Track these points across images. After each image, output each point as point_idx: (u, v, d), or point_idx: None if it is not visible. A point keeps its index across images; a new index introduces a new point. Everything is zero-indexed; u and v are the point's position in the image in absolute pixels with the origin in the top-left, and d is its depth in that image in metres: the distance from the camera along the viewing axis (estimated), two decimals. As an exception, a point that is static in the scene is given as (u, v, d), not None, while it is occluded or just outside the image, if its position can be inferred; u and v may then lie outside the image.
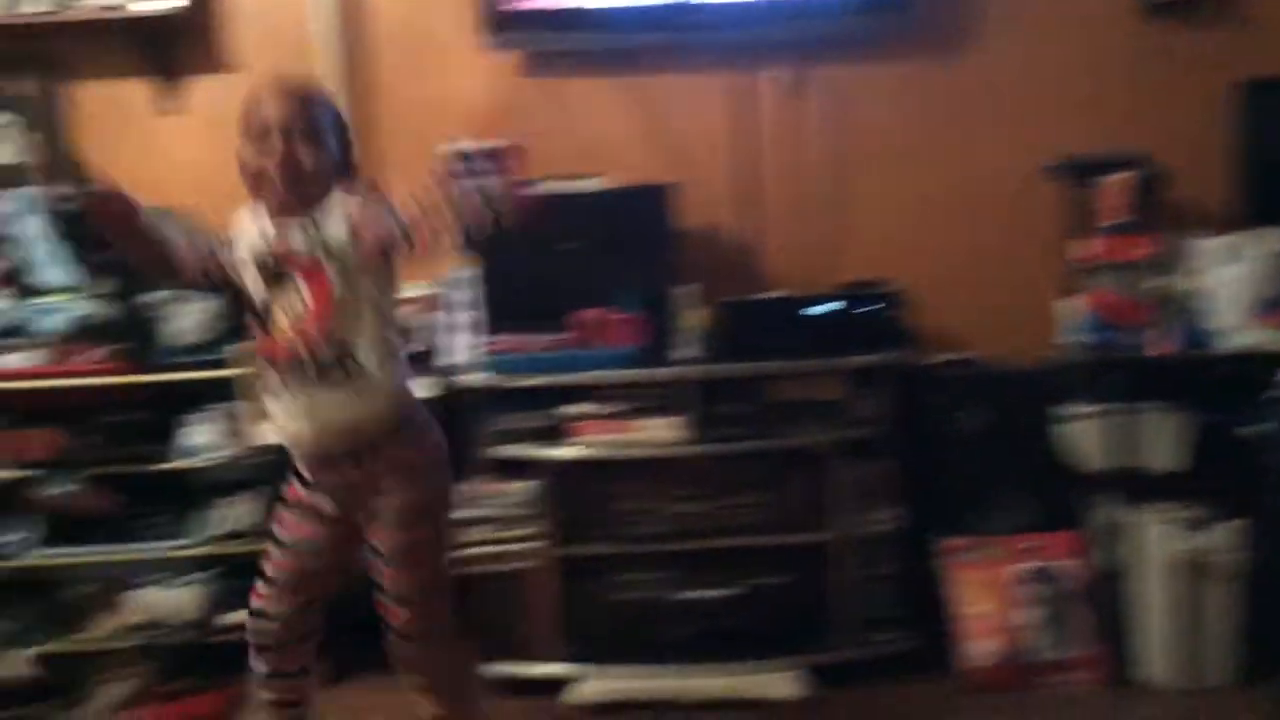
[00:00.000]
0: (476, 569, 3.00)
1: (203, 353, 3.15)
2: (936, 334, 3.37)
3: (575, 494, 3.01)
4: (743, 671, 2.93)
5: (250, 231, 2.21)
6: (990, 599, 3.01)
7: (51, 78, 3.49)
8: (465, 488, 2.99)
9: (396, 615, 2.26)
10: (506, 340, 3.02)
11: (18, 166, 3.45)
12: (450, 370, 3.11)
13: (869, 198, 3.53)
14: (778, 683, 2.89)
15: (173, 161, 3.50)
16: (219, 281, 2.30)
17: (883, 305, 3.09)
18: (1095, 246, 3.09)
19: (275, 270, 2.16)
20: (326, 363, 2.14)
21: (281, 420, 2.23)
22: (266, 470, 3.14)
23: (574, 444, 2.97)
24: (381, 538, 2.22)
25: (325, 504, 2.24)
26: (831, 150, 3.51)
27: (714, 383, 2.97)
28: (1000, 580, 3.02)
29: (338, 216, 2.14)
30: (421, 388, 3.05)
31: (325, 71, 3.45)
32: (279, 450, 3.05)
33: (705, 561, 3.01)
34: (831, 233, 3.51)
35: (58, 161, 3.48)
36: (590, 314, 2.99)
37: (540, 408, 3.00)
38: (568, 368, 2.96)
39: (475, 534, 2.99)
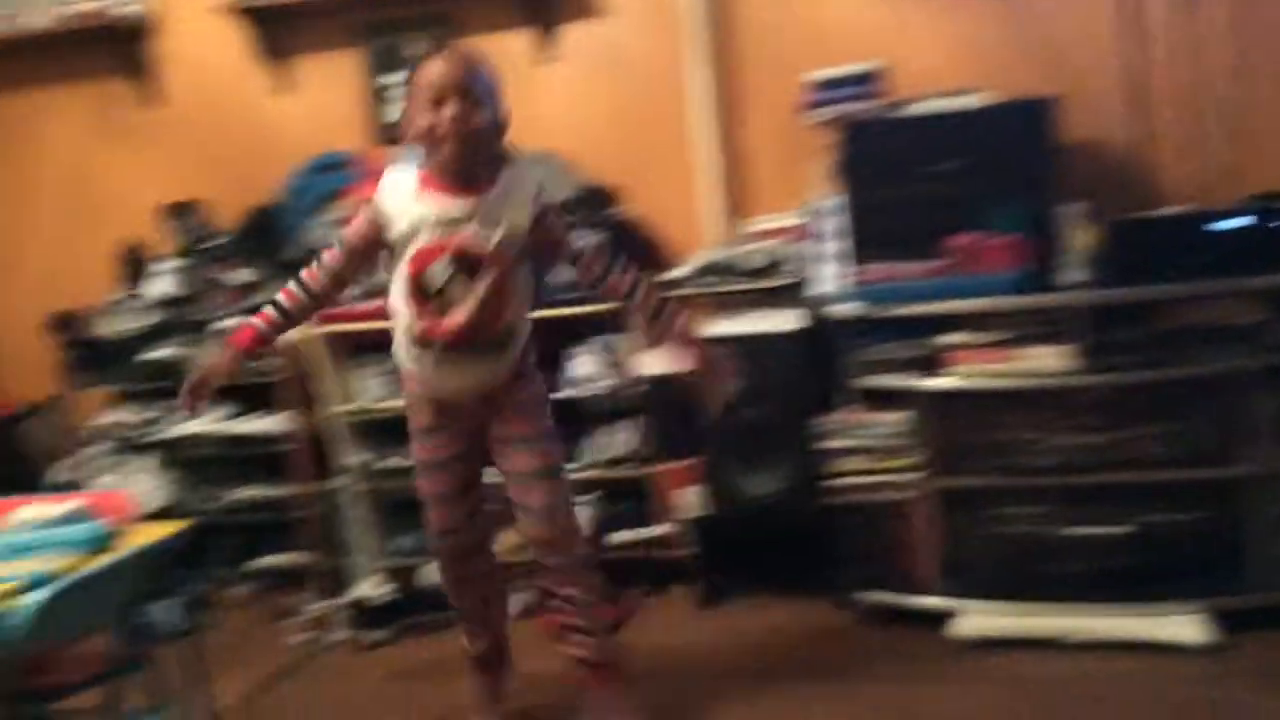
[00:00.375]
0: (851, 499, 3.01)
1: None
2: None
3: (953, 425, 2.93)
4: (1138, 613, 2.77)
5: (414, 209, 2.28)
6: None
7: (443, 35, 3.72)
8: (835, 417, 3.00)
9: (541, 529, 2.45)
10: (878, 269, 2.96)
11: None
12: (818, 300, 3.11)
13: (1274, 102, 3.17)
14: (1179, 626, 2.70)
15: (549, 108, 3.68)
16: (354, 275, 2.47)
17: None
18: None
19: (453, 257, 2.26)
20: (487, 343, 2.34)
21: (419, 378, 2.41)
22: (644, 400, 3.30)
23: (950, 374, 2.88)
24: (516, 461, 2.44)
25: (453, 421, 2.44)
26: (1232, 51, 3.17)
27: (1105, 308, 2.78)
28: None
29: (519, 201, 2.28)
30: (790, 319, 3.10)
31: (688, 11, 3.50)
32: (658, 382, 3.22)
33: (1096, 496, 2.84)
34: (1232, 142, 3.19)
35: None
36: (967, 238, 2.87)
37: (913, 337, 2.93)
38: (944, 296, 2.86)
39: (849, 464, 2.99)
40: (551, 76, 3.70)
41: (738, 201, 3.58)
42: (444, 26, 3.72)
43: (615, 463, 3.38)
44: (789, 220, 3.33)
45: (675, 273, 3.27)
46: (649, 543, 3.41)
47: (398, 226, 2.29)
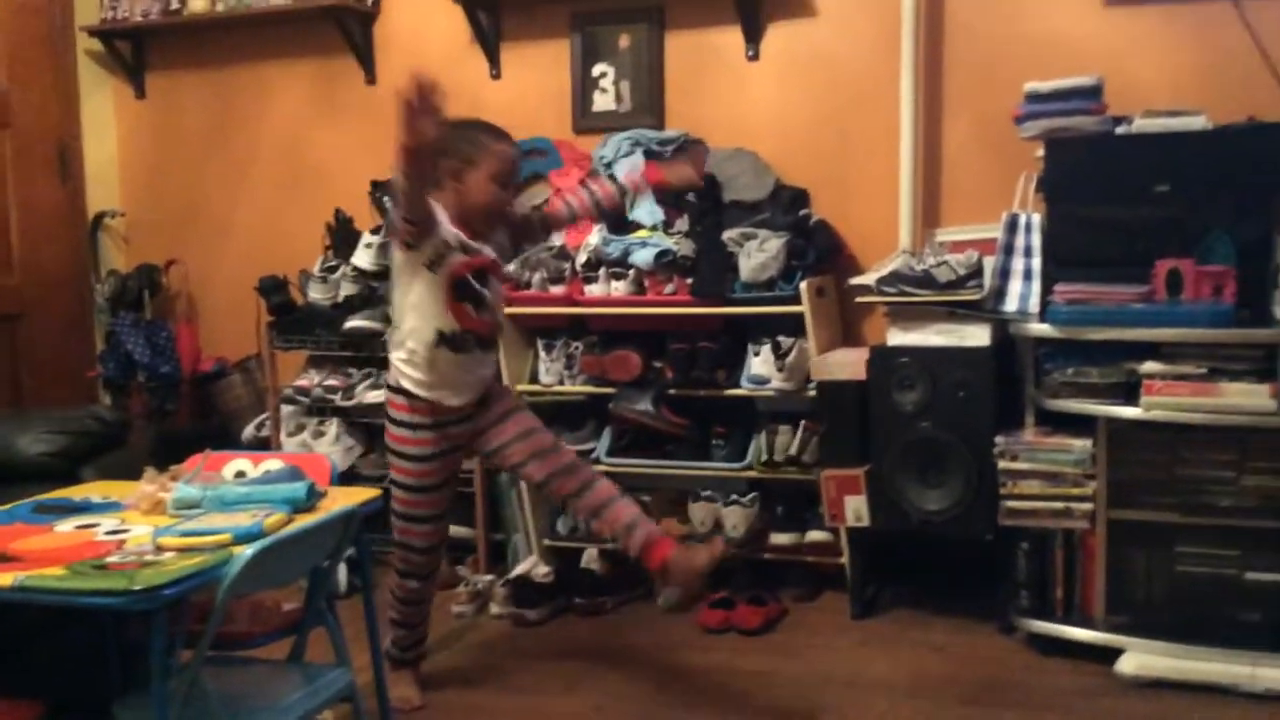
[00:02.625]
0: (1025, 522, 2.94)
1: (771, 288, 3.33)
2: None
3: (1137, 456, 2.84)
4: (1317, 669, 2.63)
5: (449, 233, 2.61)
6: None
7: (652, 29, 3.80)
8: (1016, 438, 2.93)
9: (557, 458, 2.74)
10: (1076, 289, 2.86)
11: (620, 113, 3.83)
12: (1009, 316, 3.04)
13: None
14: (1362, 687, 2.56)
15: (752, 106, 3.71)
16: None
17: None
18: None
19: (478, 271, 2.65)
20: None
21: (441, 383, 2.66)
22: (817, 404, 3.29)
23: (1144, 403, 2.77)
24: (515, 425, 2.75)
25: (450, 442, 2.73)
26: None
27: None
28: None
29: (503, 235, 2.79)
30: (978, 334, 3.05)
31: (902, 13, 3.45)
32: (832, 387, 3.21)
33: (1284, 543, 2.72)
34: None
35: (654, 107, 3.81)
36: (1175, 264, 2.76)
37: (1105, 362, 2.83)
38: (1142, 322, 2.76)
39: (1026, 487, 2.92)
40: (757, 74, 3.72)
41: (934, 210, 3.54)
42: (654, 19, 3.79)
43: (780, 464, 3.38)
44: (983, 232, 3.26)
45: (864, 279, 3.24)
46: (808, 547, 3.41)
47: (441, 235, 2.57)
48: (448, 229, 2.58)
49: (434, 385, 2.65)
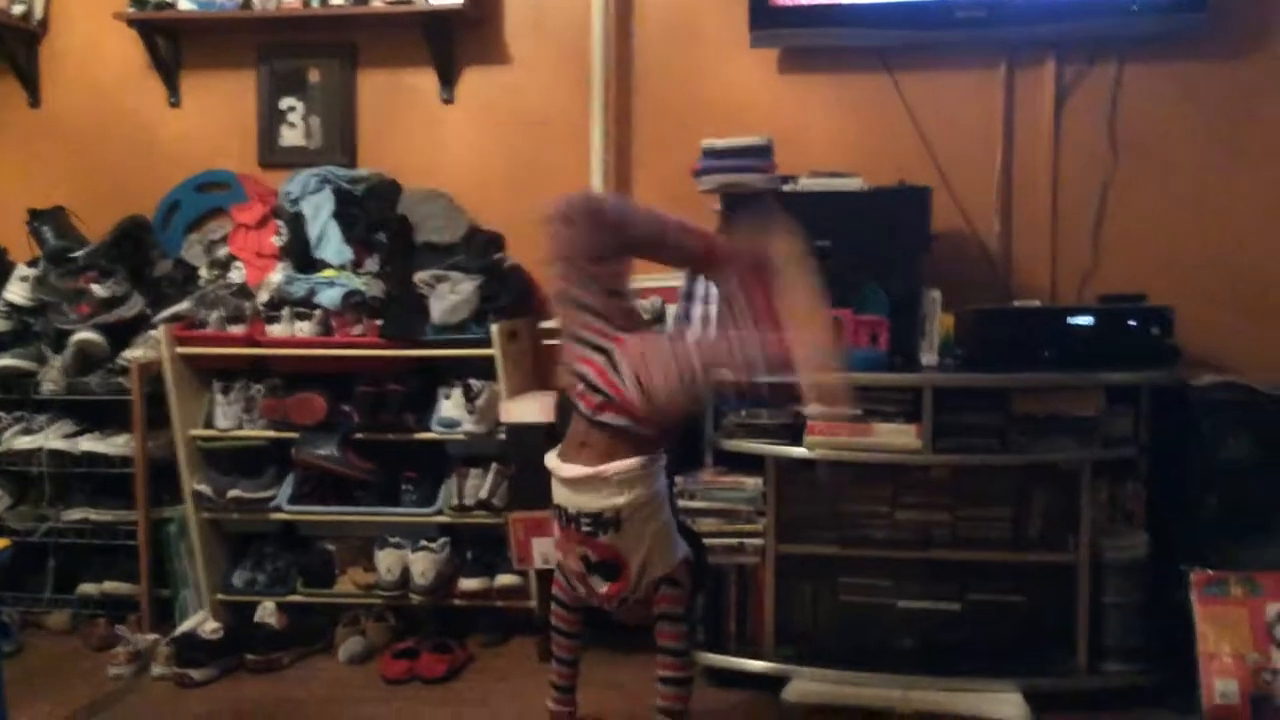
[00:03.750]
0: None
1: (461, 331, 3.31)
2: (1201, 354, 3.18)
3: (801, 493, 3.00)
4: (963, 688, 2.83)
5: None
6: (1240, 637, 2.80)
7: (344, 65, 3.73)
8: (694, 478, 3.04)
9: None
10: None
11: (309, 150, 3.73)
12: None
13: (1134, 205, 3.37)
14: (1000, 703, 2.77)
15: (447, 149, 3.70)
16: None
17: (1146, 320, 2.93)
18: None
19: None
20: None
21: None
22: (507, 448, 3.28)
23: (807, 443, 2.94)
24: None
25: None
26: (1097, 156, 3.37)
27: (957, 391, 2.88)
28: (1253, 619, 2.81)
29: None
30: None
31: (595, 65, 3.55)
32: (521, 430, 3.21)
33: (933, 572, 2.94)
34: (1090, 242, 3.38)
35: (345, 145, 3.73)
36: (837, 314, 2.94)
37: (775, 404, 2.99)
38: (807, 367, 2.94)
39: (705, 525, 3.02)
40: (452, 117, 3.72)
41: (621, 258, 3.63)
42: (346, 56, 3.73)
43: (470, 508, 3.34)
44: (670, 281, 3.37)
45: (552, 323, 3.28)
46: (497, 592, 3.37)
47: None
48: None
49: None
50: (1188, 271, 3.29)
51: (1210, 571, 2.85)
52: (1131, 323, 2.95)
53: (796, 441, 2.95)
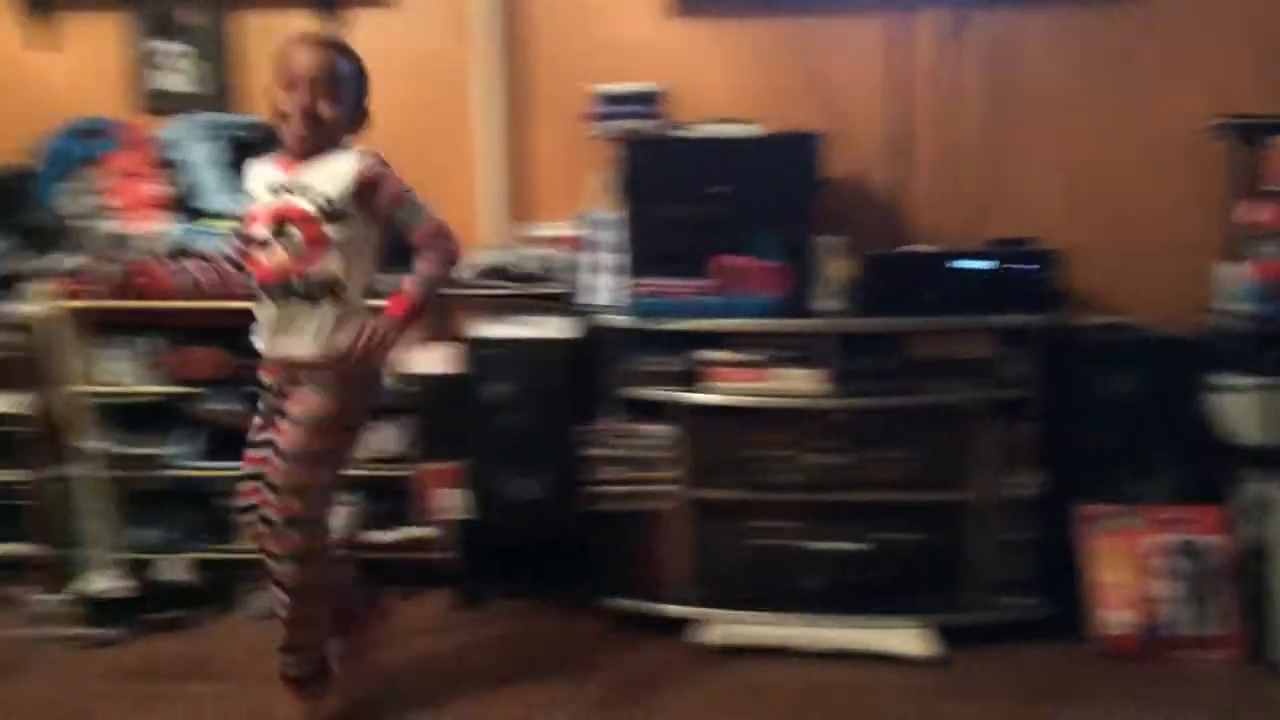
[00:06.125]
0: (611, 506, 3.07)
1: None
2: (1089, 296, 3.29)
3: (709, 439, 3.03)
4: (871, 625, 2.95)
5: (262, 178, 2.52)
6: (1128, 569, 2.95)
7: (220, 8, 3.59)
8: (599, 426, 3.05)
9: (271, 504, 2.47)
10: (649, 283, 3.03)
11: (188, 95, 3.59)
12: (591, 310, 3.15)
13: (1024, 151, 3.43)
14: (906, 639, 2.89)
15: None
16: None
17: (1036, 264, 3.01)
18: (1263, 212, 2.96)
19: (274, 219, 2.45)
20: (307, 292, 2.46)
21: (261, 335, 2.54)
22: (413, 399, 3.26)
23: (711, 390, 2.98)
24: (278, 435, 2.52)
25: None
26: (988, 101, 3.42)
27: (855, 336, 2.94)
28: (1140, 551, 2.96)
29: (339, 173, 2.43)
30: (560, 326, 3.13)
31: (480, 11, 3.49)
32: (426, 380, 3.19)
33: (838, 514, 3.01)
34: (982, 187, 3.43)
35: (225, 90, 3.61)
36: (733, 260, 2.98)
37: (679, 351, 3.02)
38: (707, 314, 2.96)
39: (610, 472, 3.05)
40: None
41: (519, 206, 3.59)
42: (222, 1, 3.58)
43: (380, 461, 3.32)
44: (568, 229, 3.36)
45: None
46: (409, 544, 3.37)
47: (257, 197, 2.50)
48: (261, 179, 2.50)
49: (261, 332, 2.54)
50: (1077, 215, 3.38)
51: (1099, 506, 2.98)
52: (1019, 266, 3.02)
53: (703, 387, 2.98)
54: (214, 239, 3.23)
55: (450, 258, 2.48)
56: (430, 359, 3.22)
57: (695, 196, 3.05)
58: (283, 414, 2.50)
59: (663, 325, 2.98)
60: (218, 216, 3.33)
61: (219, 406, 3.31)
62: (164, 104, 3.58)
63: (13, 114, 3.59)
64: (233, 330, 3.32)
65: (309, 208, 2.42)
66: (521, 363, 3.10)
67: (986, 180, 3.43)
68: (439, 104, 3.57)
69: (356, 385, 2.50)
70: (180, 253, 3.24)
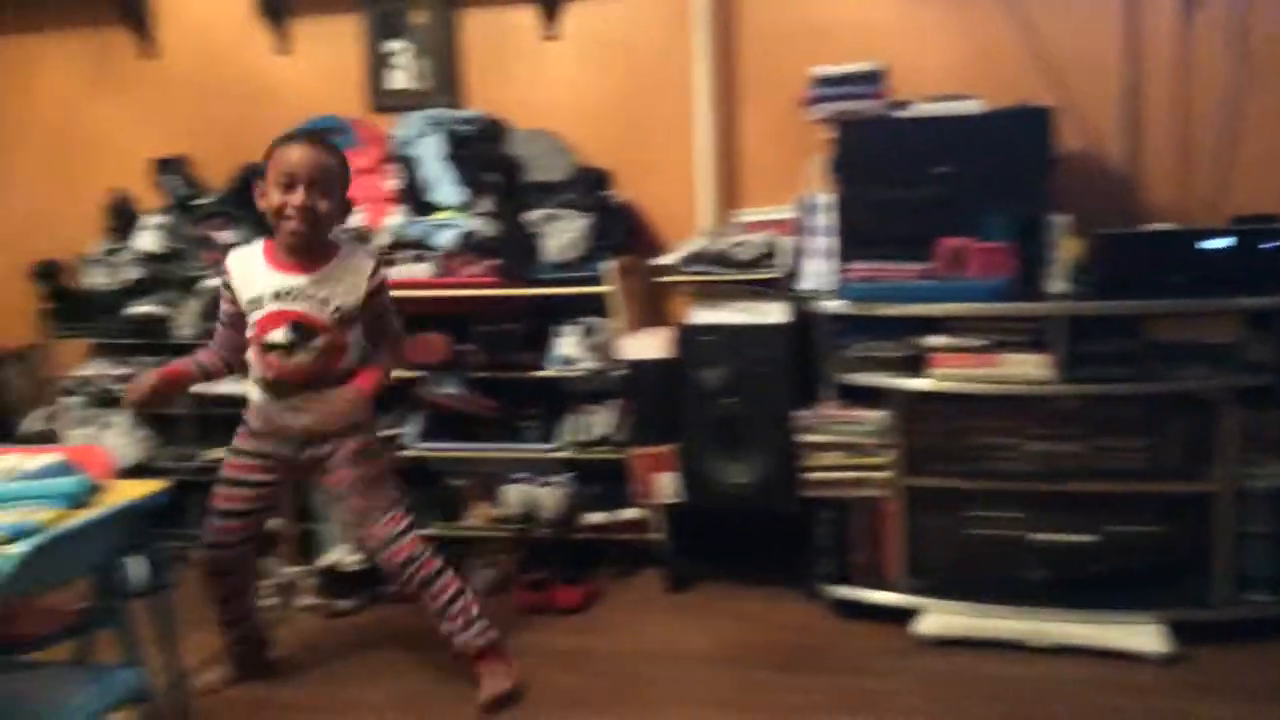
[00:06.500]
0: (826, 493, 3.04)
1: (576, 269, 3.33)
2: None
3: (928, 426, 2.96)
4: (1099, 621, 2.82)
5: (258, 282, 2.60)
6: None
7: (446, 6, 3.73)
8: (815, 412, 3.03)
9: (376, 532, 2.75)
10: (866, 268, 2.99)
11: (414, 91, 3.75)
12: (805, 295, 3.13)
13: (1266, 122, 3.22)
14: (1138, 635, 2.76)
15: (550, 87, 3.68)
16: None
17: (1285, 242, 2.82)
18: None
19: (293, 323, 2.58)
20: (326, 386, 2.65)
21: (263, 416, 2.67)
22: (625, 383, 3.31)
23: (931, 376, 2.91)
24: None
25: (267, 474, 2.74)
26: (1227, 72, 3.22)
27: (1087, 319, 2.81)
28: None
29: (352, 282, 2.60)
30: (776, 311, 3.12)
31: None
32: (640, 366, 3.24)
33: (1065, 504, 2.89)
34: (1220, 161, 3.24)
35: (448, 86, 3.74)
36: (956, 242, 2.91)
37: (897, 336, 2.96)
38: (928, 298, 2.89)
39: (825, 458, 3.02)
40: (555, 54, 3.69)
41: (731, 192, 3.60)
42: (448, -1, 3.72)
43: (592, 444, 3.39)
44: (781, 213, 3.35)
45: (667, 259, 3.28)
46: (620, 525, 3.43)
47: (245, 296, 2.61)
48: (257, 279, 2.59)
49: (261, 414, 2.68)
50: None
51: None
52: (1268, 244, 2.83)
53: (920, 373, 2.91)
54: (444, 231, 3.37)
55: (400, 362, 2.91)
56: (644, 345, 3.27)
57: (917, 177, 2.98)
58: (314, 467, 2.71)
59: (879, 310, 2.93)
60: (442, 209, 3.47)
61: (443, 390, 3.45)
62: (392, 101, 3.75)
63: (254, 115, 3.82)
64: (450, 318, 3.48)
65: (330, 320, 2.58)
66: (736, 348, 3.10)
67: (1225, 154, 3.24)
68: (655, 93, 3.61)
69: (366, 424, 2.73)
70: (415, 244, 3.40)
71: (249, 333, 2.61)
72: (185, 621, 2.58)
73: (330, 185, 2.55)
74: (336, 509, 2.87)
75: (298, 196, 2.51)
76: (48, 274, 3.75)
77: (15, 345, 4.03)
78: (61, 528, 1.81)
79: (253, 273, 2.61)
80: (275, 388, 2.64)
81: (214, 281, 3.41)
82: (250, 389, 2.68)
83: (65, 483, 1.94)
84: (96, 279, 3.70)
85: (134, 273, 3.66)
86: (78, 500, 1.92)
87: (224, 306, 2.67)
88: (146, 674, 2.09)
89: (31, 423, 3.83)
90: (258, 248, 2.64)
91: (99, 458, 2.20)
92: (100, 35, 3.97)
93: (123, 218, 3.75)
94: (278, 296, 2.57)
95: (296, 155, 2.52)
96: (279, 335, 2.57)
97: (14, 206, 4.12)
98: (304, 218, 2.52)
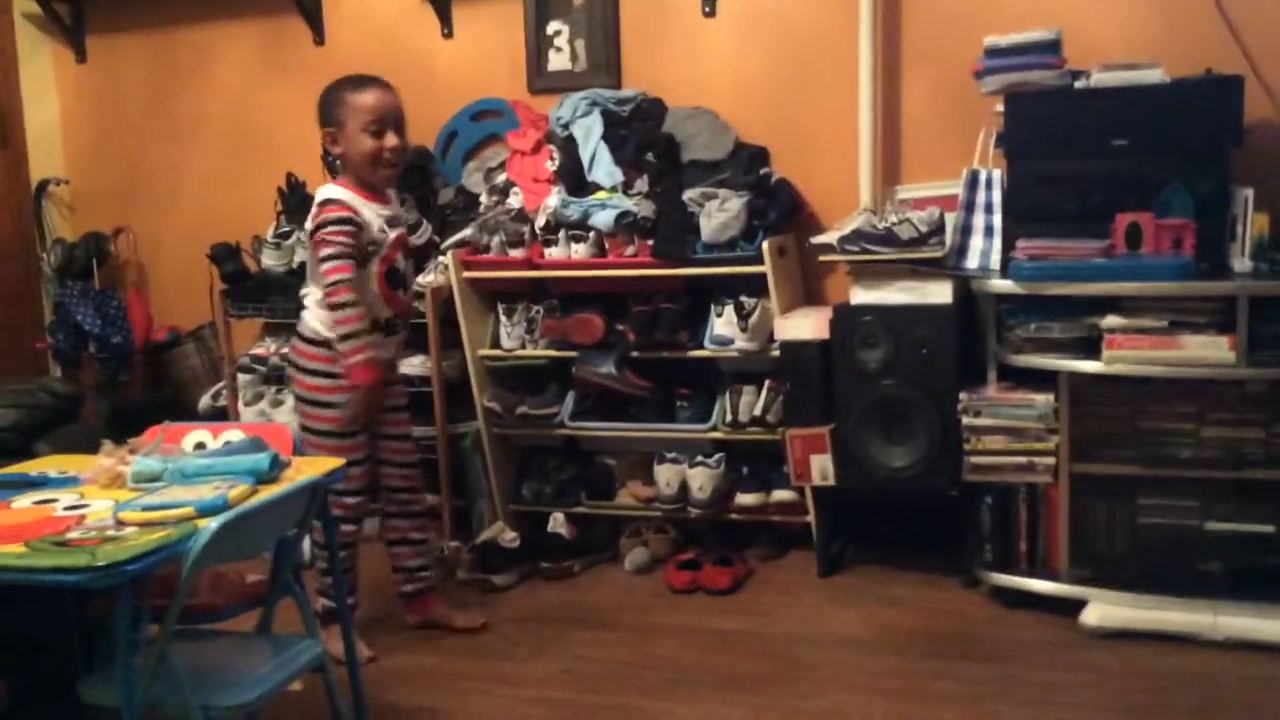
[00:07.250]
0: (989, 477, 2.96)
1: (733, 248, 3.30)
2: None
3: (1100, 410, 2.86)
4: (1278, 615, 2.68)
5: (371, 216, 2.70)
6: None
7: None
8: (980, 394, 2.95)
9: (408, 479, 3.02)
10: (1037, 245, 2.87)
11: (572, 73, 3.77)
12: (971, 273, 3.04)
13: None
14: (1323, 632, 2.62)
15: (710, 64, 3.66)
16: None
17: None
18: None
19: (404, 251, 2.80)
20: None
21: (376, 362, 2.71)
22: (781, 365, 3.28)
23: (1105, 358, 2.78)
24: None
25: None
26: None
27: (1273, 299, 2.64)
28: None
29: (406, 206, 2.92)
30: (941, 291, 3.04)
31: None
32: (796, 347, 3.21)
33: (1246, 493, 2.76)
34: None
35: (608, 65, 3.75)
36: (1134, 218, 2.78)
37: (1067, 316, 2.85)
38: (1103, 277, 2.77)
39: (989, 442, 2.93)
40: (713, 30, 3.66)
41: (893, 167, 3.52)
42: (608, -22, 3.72)
43: (746, 424, 3.38)
44: (945, 189, 3.26)
45: (825, 237, 3.23)
46: (774, 506, 3.41)
47: (369, 233, 2.69)
48: (369, 219, 2.68)
49: (373, 360, 2.71)
50: None
51: None
52: None
53: (1092, 355, 2.80)
54: (601, 211, 3.39)
55: None
56: (801, 325, 3.23)
57: (1094, 150, 2.88)
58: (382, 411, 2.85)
59: (1051, 290, 2.82)
60: (606, 189, 3.49)
61: (598, 370, 3.47)
62: (550, 83, 3.78)
63: (419, 98, 3.86)
64: (606, 297, 3.51)
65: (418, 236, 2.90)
66: (897, 329, 3.04)
67: None
68: (815, 69, 3.56)
69: None
70: (573, 225, 3.44)
71: (374, 268, 2.69)
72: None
73: (403, 122, 2.74)
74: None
75: (391, 139, 2.69)
76: (223, 256, 3.91)
77: (193, 325, 4.24)
78: (251, 504, 1.88)
79: (361, 210, 2.68)
80: (389, 326, 2.78)
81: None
82: (354, 336, 2.64)
83: (255, 459, 2.02)
84: (269, 261, 3.85)
85: (305, 255, 3.79)
86: (264, 477, 2.00)
87: (344, 243, 2.63)
88: (322, 644, 2.18)
89: (207, 400, 4.02)
90: (343, 190, 2.69)
91: (283, 435, 2.29)
92: (274, 24, 4.12)
93: (295, 201, 3.89)
94: (389, 226, 2.73)
95: (380, 99, 2.69)
96: (401, 262, 2.76)
97: (192, 191, 4.32)
98: (400, 159, 2.74)
